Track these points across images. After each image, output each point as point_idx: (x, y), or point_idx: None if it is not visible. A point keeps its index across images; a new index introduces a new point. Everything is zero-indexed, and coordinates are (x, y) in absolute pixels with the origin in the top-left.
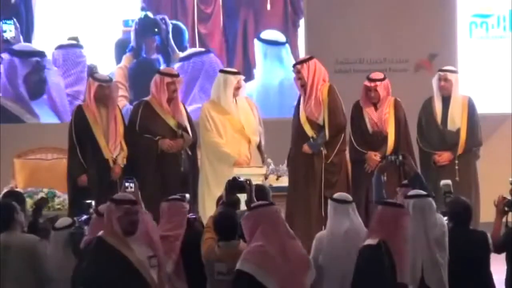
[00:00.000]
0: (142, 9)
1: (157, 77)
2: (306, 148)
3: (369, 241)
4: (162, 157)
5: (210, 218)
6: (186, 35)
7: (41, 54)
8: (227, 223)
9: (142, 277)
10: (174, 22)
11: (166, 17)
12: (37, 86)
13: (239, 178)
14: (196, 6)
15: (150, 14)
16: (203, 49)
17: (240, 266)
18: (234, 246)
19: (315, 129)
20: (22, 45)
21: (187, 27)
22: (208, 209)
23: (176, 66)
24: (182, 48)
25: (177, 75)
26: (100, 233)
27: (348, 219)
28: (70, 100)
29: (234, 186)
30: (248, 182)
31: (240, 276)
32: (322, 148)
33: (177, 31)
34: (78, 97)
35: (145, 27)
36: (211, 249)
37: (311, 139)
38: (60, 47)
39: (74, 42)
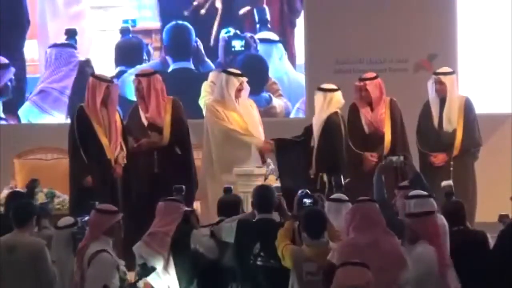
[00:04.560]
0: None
1: None
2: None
3: None
4: (134, 157)
5: (288, 222)
6: (193, 35)
7: None
8: (317, 221)
9: None
10: (180, 22)
11: (254, 36)
12: None
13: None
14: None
15: (238, 32)
16: None
17: (330, 257)
18: (323, 244)
19: None
20: None
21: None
22: (212, 203)
23: None
24: (189, 47)
25: (144, 75)
26: None
27: (341, 217)
28: (57, 96)
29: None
30: (320, 196)
31: (329, 267)
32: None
33: (185, 30)
34: (64, 92)
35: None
36: (298, 251)
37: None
38: (54, 45)
39: (68, 42)
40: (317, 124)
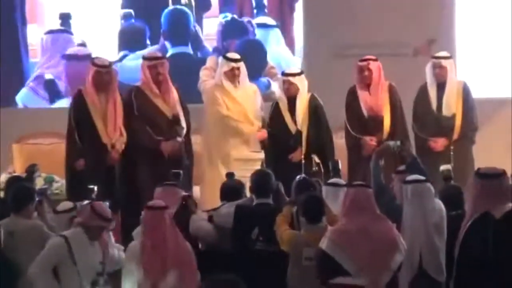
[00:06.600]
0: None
1: (142, 62)
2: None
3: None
4: (161, 154)
5: (286, 208)
6: (192, 19)
7: None
8: (316, 206)
9: None
10: (179, 7)
11: (252, 20)
12: None
13: (308, 177)
14: None
15: (235, 17)
16: None
17: (320, 243)
18: (322, 229)
19: None
20: None
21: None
22: (209, 188)
23: None
24: (188, 32)
25: (158, 58)
26: None
27: (338, 202)
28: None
29: (305, 185)
30: (317, 181)
31: (320, 253)
32: None
33: (183, 15)
34: (61, 77)
35: (231, 29)
36: (297, 236)
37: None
38: (49, 32)
39: (64, 28)
40: (301, 107)
